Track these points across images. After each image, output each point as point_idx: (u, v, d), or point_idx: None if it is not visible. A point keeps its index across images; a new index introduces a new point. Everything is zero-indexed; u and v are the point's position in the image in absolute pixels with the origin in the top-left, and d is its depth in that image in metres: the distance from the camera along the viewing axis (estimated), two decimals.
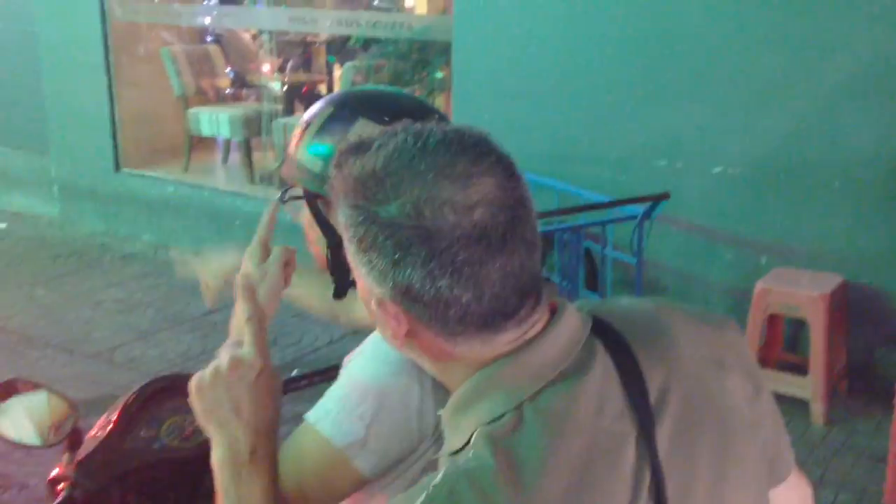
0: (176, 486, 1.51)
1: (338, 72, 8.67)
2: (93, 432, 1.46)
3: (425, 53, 5.70)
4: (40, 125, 6.45)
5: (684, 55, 3.94)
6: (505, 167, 0.82)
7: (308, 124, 1.21)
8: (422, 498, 0.78)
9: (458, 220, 0.78)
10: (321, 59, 8.77)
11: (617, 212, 3.76)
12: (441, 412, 0.89)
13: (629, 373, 0.86)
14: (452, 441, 0.86)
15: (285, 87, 6.38)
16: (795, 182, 3.76)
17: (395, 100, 1.26)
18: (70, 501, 1.34)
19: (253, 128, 6.05)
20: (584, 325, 0.87)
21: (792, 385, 3.52)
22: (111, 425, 1.43)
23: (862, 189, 3.63)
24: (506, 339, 0.83)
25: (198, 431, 1.52)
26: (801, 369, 3.56)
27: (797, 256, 3.76)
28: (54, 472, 1.42)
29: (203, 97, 6.66)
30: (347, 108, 1.21)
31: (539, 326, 0.85)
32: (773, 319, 3.61)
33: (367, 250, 0.81)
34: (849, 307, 3.65)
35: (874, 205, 3.62)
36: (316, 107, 1.22)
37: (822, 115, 3.68)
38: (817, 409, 3.48)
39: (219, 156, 6.78)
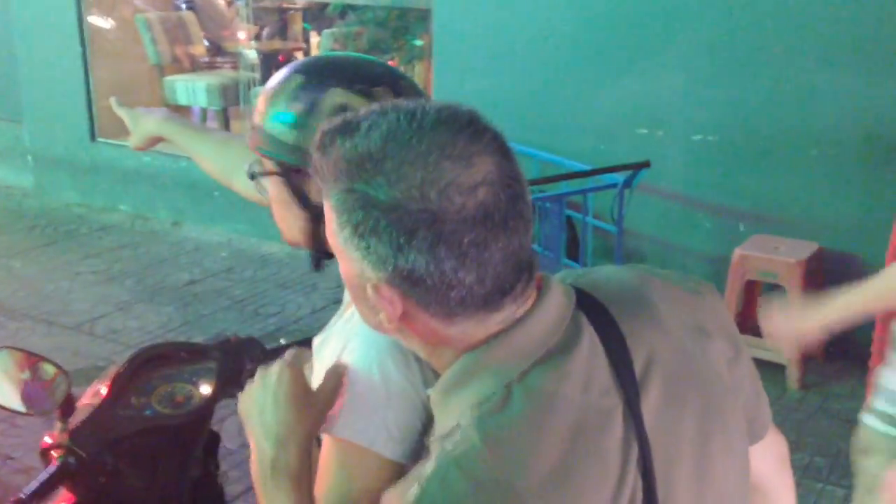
0: (168, 453, 1.52)
1: (315, 39, 8.59)
2: (84, 400, 1.46)
3: (404, 21, 5.66)
4: (14, 94, 6.35)
5: (664, 24, 3.95)
6: (500, 145, 0.82)
7: (275, 92, 1.13)
8: (415, 490, 0.78)
9: (463, 202, 0.77)
10: (297, 26, 8.67)
11: (598, 180, 3.78)
12: (430, 392, 0.89)
13: (614, 346, 0.86)
14: (442, 423, 0.86)
15: (261, 55, 6.31)
16: (773, 150, 3.80)
17: (365, 67, 1.18)
18: (65, 468, 1.34)
19: (230, 96, 5.99)
20: (569, 300, 0.88)
21: (768, 350, 3.58)
22: (103, 393, 1.44)
23: (839, 157, 3.68)
24: (500, 317, 0.83)
25: (188, 399, 1.53)
26: None
27: (775, 224, 3.80)
28: (47, 441, 1.42)
29: (179, 65, 6.58)
30: (317, 76, 1.13)
31: (528, 304, 0.85)
32: (750, 285, 3.66)
33: (366, 235, 0.79)
34: (825, 273, 3.70)
35: (851, 172, 3.67)
36: (282, 74, 1.15)
37: (800, 84, 3.71)
38: (793, 374, 3.55)
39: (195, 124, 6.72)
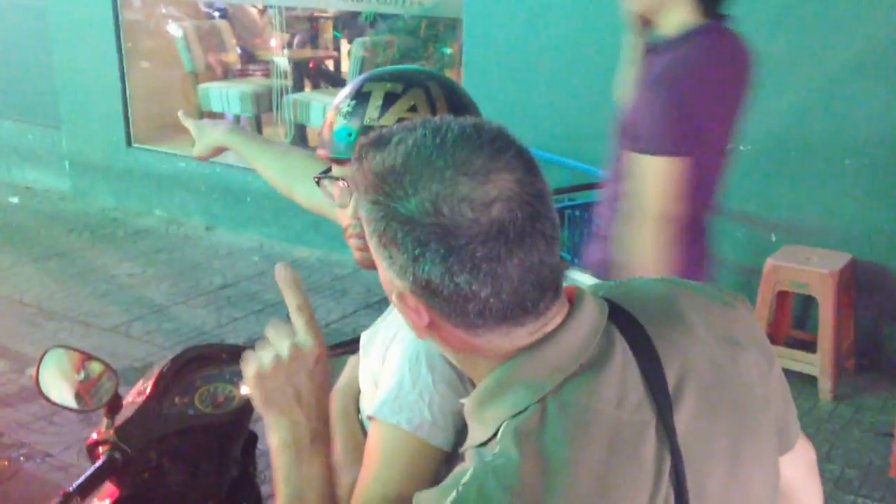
0: (208, 452, 1.56)
1: (345, 47, 8.67)
2: (129, 399, 1.50)
3: (435, 29, 5.71)
4: (52, 100, 6.48)
5: None
6: (524, 162, 0.82)
7: (338, 107, 1.20)
8: (452, 496, 0.79)
9: (476, 217, 0.78)
10: (328, 34, 8.76)
11: None
12: (464, 402, 0.91)
13: (647, 360, 0.87)
14: (476, 433, 0.88)
15: (292, 63, 6.39)
16: (806, 160, 3.78)
17: (417, 74, 1.23)
18: (111, 463, 1.38)
19: (263, 104, 6.07)
20: (602, 313, 0.89)
21: (800, 361, 3.57)
22: (147, 392, 1.48)
23: (872, 167, 3.65)
24: (525, 331, 0.84)
25: (229, 399, 1.57)
26: (809, 346, 3.60)
27: (807, 234, 3.79)
28: (93, 437, 1.46)
29: (213, 73, 6.69)
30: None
31: (558, 319, 0.86)
32: (782, 296, 3.64)
33: (388, 245, 0.82)
34: (857, 285, 3.68)
35: (884, 183, 3.64)
36: (348, 88, 1.21)
37: (834, 94, 3.69)
38: (825, 386, 3.53)
39: None
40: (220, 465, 1.58)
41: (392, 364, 1.07)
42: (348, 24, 8.63)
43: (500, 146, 0.82)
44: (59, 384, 1.41)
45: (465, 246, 0.78)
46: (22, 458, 3.18)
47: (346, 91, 1.21)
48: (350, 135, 1.17)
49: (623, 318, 0.90)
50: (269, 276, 4.97)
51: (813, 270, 3.50)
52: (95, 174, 6.46)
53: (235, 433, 1.57)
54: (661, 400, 0.86)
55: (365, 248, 1.17)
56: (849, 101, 3.65)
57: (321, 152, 1.22)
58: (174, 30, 6.30)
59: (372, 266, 1.19)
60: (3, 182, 6.90)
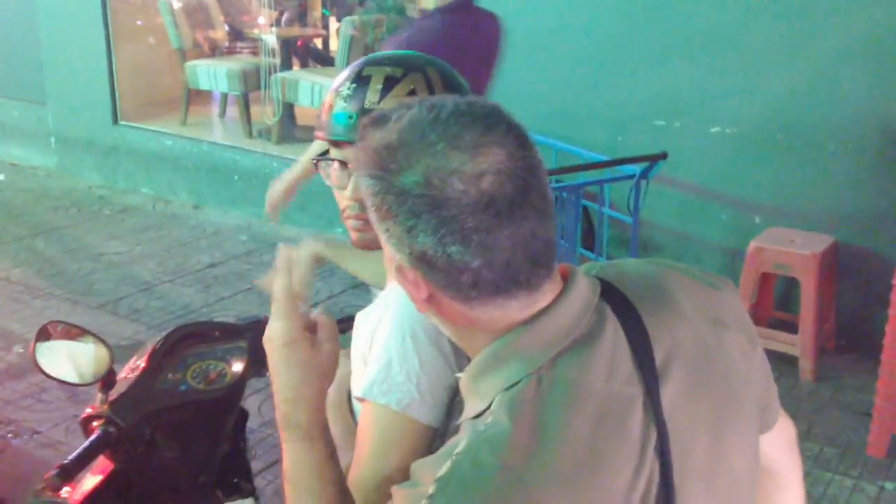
0: (200, 428, 1.58)
1: (333, 26, 8.62)
2: (123, 375, 1.52)
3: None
4: (38, 76, 6.44)
5: (684, 15, 3.97)
6: (515, 136, 0.85)
7: (338, 90, 1.22)
8: (447, 465, 0.82)
9: (465, 189, 0.81)
10: (316, 12, 8.71)
11: (615, 171, 3.81)
12: (459, 376, 0.94)
13: (637, 337, 0.90)
14: (471, 406, 0.91)
15: (280, 41, 6.35)
16: (791, 144, 3.82)
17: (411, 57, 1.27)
18: (105, 437, 1.40)
19: (251, 82, 6.04)
20: (594, 291, 0.92)
21: (782, 342, 3.62)
22: (141, 367, 1.50)
23: (856, 152, 3.70)
24: (518, 305, 0.87)
25: (221, 376, 1.59)
26: (791, 327, 3.66)
27: (791, 217, 3.83)
28: (87, 411, 1.48)
29: (200, 50, 6.64)
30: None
31: (550, 296, 0.88)
32: (765, 278, 3.69)
33: (385, 218, 0.85)
34: (839, 267, 3.73)
35: (867, 167, 3.69)
36: (347, 72, 1.24)
37: (819, 79, 3.72)
38: (806, 366, 3.59)
39: (216, 109, 6.78)
40: (212, 440, 1.60)
41: (379, 346, 1.09)
42: (337, 1, 8.59)
43: (491, 122, 0.85)
44: (55, 358, 1.43)
45: (455, 217, 0.81)
46: (10, 435, 3.19)
47: (344, 75, 1.23)
48: (350, 117, 1.19)
49: (614, 297, 0.93)
50: (256, 255, 4.99)
51: (796, 253, 3.54)
52: (81, 151, 6.43)
53: (227, 409, 1.59)
54: (649, 376, 0.89)
55: (362, 229, 1.20)
56: (834, 85, 3.69)
57: (319, 134, 1.24)
58: (162, 6, 6.25)
59: (369, 247, 1.21)
60: None
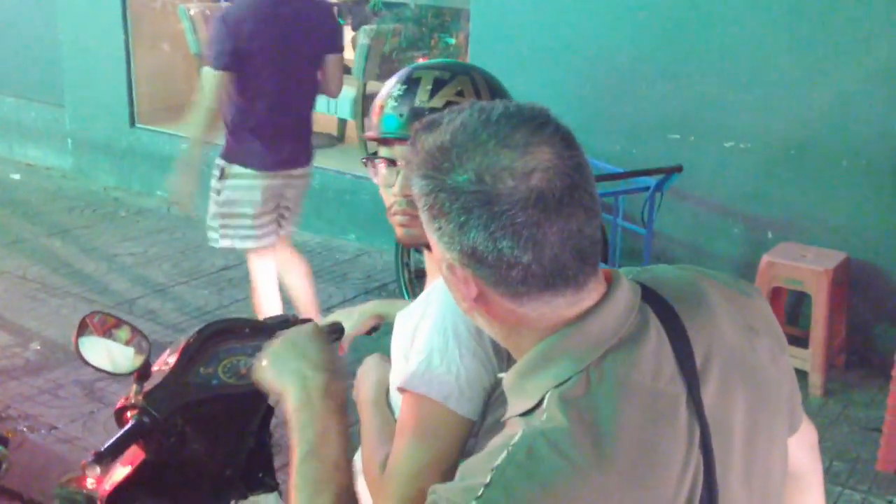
0: (229, 422, 1.61)
1: (348, 34, 8.69)
2: (155, 367, 1.56)
3: (441, 19, 5.75)
4: (56, 78, 6.50)
5: (701, 31, 4.01)
6: (562, 137, 0.88)
7: (389, 93, 1.28)
8: (503, 456, 0.83)
9: (516, 185, 0.84)
10: None
11: (630, 183, 3.85)
12: (502, 376, 0.97)
13: (678, 338, 0.93)
14: (517, 404, 0.93)
15: None
16: (804, 160, 3.86)
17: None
18: (139, 426, 1.44)
19: None
20: (636, 293, 0.95)
21: (792, 357, 3.60)
22: (174, 361, 1.53)
23: (869, 169, 3.73)
24: (565, 301, 0.89)
25: (251, 372, 1.63)
26: (801, 342, 3.68)
27: (803, 232, 3.86)
28: (121, 403, 1.52)
29: None
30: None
31: (596, 295, 0.91)
32: (777, 292, 3.72)
33: (437, 217, 0.88)
34: (850, 283, 3.76)
35: (880, 185, 3.72)
36: (396, 77, 1.30)
37: (833, 96, 3.76)
38: (815, 381, 3.61)
39: None
40: (240, 435, 1.63)
41: (421, 339, 1.13)
42: (353, 10, 8.65)
43: (540, 123, 0.88)
44: (95, 347, 1.47)
45: (506, 212, 0.84)
46: (27, 430, 3.23)
47: (394, 79, 1.29)
48: (401, 116, 1.25)
49: (655, 300, 0.96)
50: None
51: (807, 268, 3.57)
52: (98, 153, 6.49)
53: (255, 405, 1.62)
54: (690, 375, 0.92)
55: (408, 225, 1.24)
56: (848, 103, 3.72)
57: (370, 135, 1.29)
58: (181, 12, 6.31)
59: (413, 243, 1.25)
60: (5, 159, 6.91)
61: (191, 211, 3.51)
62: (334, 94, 3.64)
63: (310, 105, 3.45)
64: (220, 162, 3.44)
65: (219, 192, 3.45)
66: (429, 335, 1.11)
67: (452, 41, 5.88)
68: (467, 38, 5.05)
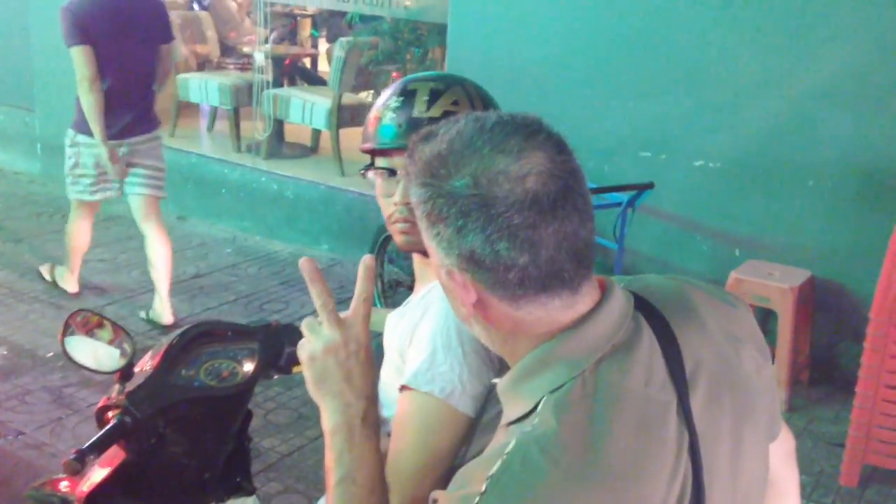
0: (209, 424, 1.62)
1: (322, 46, 8.71)
2: (138, 369, 1.56)
3: (418, 33, 5.79)
4: (27, 82, 6.43)
5: (670, 50, 4.09)
6: (555, 143, 0.91)
7: (385, 104, 1.31)
8: (497, 464, 0.85)
9: (511, 188, 0.87)
10: (305, 32, 8.79)
11: (602, 199, 3.90)
12: (497, 382, 0.99)
13: (669, 346, 0.96)
14: (512, 410, 0.95)
15: (272, 58, 6.42)
16: (772, 179, 3.94)
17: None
18: (121, 426, 1.44)
19: (242, 97, 6.10)
20: (629, 301, 0.97)
21: None
22: (157, 362, 1.54)
23: (834, 189, 3.82)
24: (561, 304, 0.91)
25: (233, 375, 1.64)
26: None
27: (770, 250, 3.94)
28: (101, 402, 1.52)
29: (192, 64, 6.69)
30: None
31: (590, 300, 0.93)
32: None
33: (435, 222, 0.90)
34: (815, 301, 3.84)
35: (845, 205, 3.81)
36: (391, 89, 1.33)
37: (801, 116, 3.85)
38: (780, 396, 3.67)
39: (204, 123, 6.82)
40: (220, 437, 1.64)
41: (422, 339, 1.15)
42: (327, 22, 8.68)
43: (533, 129, 0.92)
44: (80, 346, 1.47)
45: (502, 214, 0.86)
46: None
47: (389, 91, 1.32)
48: (400, 126, 1.28)
49: (646, 309, 0.98)
50: (242, 268, 5.01)
51: (774, 285, 3.65)
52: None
53: (236, 408, 1.64)
54: (681, 383, 0.94)
55: (408, 232, 1.26)
56: (816, 124, 3.82)
57: (366, 146, 1.32)
58: None
59: (415, 249, 1.28)
60: None
61: (124, 176, 4.09)
62: (167, 77, 4.25)
63: (148, 84, 4.03)
64: (70, 132, 4.06)
65: (70, 157, 4.08)
66: (431, 334, 1.14)
67: (429, 55, 5.92)
68: (444, 52, 5.09)
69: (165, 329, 4.05)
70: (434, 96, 1.27)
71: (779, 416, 1.14)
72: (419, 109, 1.27)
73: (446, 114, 1.24)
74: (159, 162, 4.18)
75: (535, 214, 0.87)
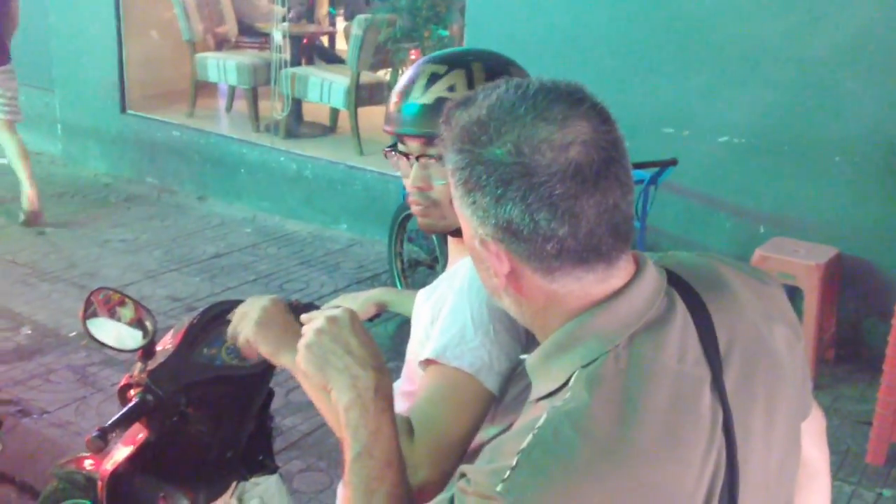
0: (231, 403, 1.61)
1: (340, 24, 8.66)
2: (160, 347, 1.56)
3: (436, 10, 5.73)
4: (46, 63, 6.45)
5: (695, 25, 4.02)
6: (598, 113, 0.88)
7: (402, 87, 1.29)
8: (528, 438, 0.83)
9: (554, 157, 0.84)
10: (323, 10, 8.75)
11: None
12: (525, 357, 0.97)
13: (703, 322, 0.94)
14: (541, 386, 0.93)
15: (291, 37, 6.39)
16: (797, 154, 3.88)
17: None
18: (143, 404, 1.44)
19: (260, 76, 6.08)
20: (662, 277, 0.95)
21: None
22: (178, 340, 1.53)
23: (861, 164, 3.75)
24: (596, 278, 0.89)
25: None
26: None
27: (795, 227, 3.88)
28: (124, 380, 1.52)
29: (210, 43, 6.67)
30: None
31: (625, 274, 0.91)
32: None
33: (472, 190, 0.88)
34: (842, 278, 3.79)
35: (872, 180, 3.75)
36: (411, 70, 1.30)
37: (826, 90, 3.78)
38: None
39: (223, 103, 6.81)
40: (241, 417, 1.64)
41: (451, 315, 1.14)
42: (346, 0, 8.63)
43: (577, 98, 0.89)
44: (102, 325, 1.46)
45: (544, 183, 0.84)
46: (19, 415, 3.21)
47: (407, 73, 1.30)
48: (401, 111, 1.26)
49: (680, 285, 0.96)
50: (261, 247, 5.01)
51: (799, 262, 3.59)
52: (88, 139, 6.45)
53: (258, 387, 1.63)
54: (714, 360, 0.92)
55: (426, 214, 1.25)
56: (841, 97, 3.75)
57: (387, 128, 1.30)
58: None
59: (433, 230, 1.26)
60: None
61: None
62: (14, 28, 5.13)
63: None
64: None
65: None
66: (461, 308, 1.13)
67: (446, 33, 5.87)
68: (462, 28, 5.04)
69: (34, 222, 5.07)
70: (432, 80, 1.25)
71: (810, 395, 1.12)
72: (415, 95, 1.25)
73: (439, 100, 1.21)
74: (12, 91, 5.12)
75: (577, 185, 0.84)
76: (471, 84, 1.25)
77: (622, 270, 0.91)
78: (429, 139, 1.22)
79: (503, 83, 0.91)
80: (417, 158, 1.25)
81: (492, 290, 0.96)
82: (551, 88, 0.89)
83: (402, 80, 1.29)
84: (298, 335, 1.07)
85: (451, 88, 1.24)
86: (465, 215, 0.91)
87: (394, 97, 1.28)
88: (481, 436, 1.08)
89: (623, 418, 0.84)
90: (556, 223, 0.85)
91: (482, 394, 1.09)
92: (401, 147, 1.29)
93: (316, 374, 1.04)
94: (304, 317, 1.09)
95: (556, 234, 0.86)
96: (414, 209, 1.28)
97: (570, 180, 0.84)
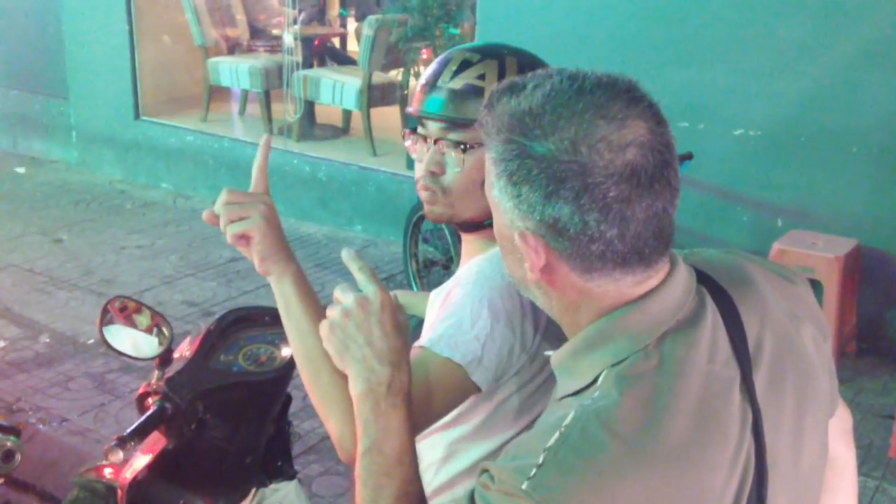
0: (249, 409, 1.61)
1: (351, 25, 8.67)
2: (177, 355, 1.55)
3: (448, 9, 5.72)
4: (60, 71, 6.49)
5: (709, 17, 3.99)
6: (655, 113, 0.86)
7: (429, 71, 1.28)
8: (555, 436, 0.82)
9: (611, 158, 0.82)
10: (334, 11, 8.75)
11: None
12: (550, 354, 0.95)
13: (732, 322, 0.93)
14: (568, 383, 0.91)
15: (302, 40, 6.39)
16: (814, 146, 3.84)
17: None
18: (161, 412, 1.43)
19: (273, 79, 6.08)
20: (692, 276, 0.94)
21: None
22: (195, 348, 1.53)
23: (879, 155, 3.71)
24: (632, 280, 0.88)
25: (271, 359, 1.62)
26: None
27: (813, 219, 3.85)
28: (142, 388, 1.51)
29: (222, 47, 6.69)
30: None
31: (662, 274, 0.90)
32: None
33: (519, 183, 0.85)
34: (861, 270, 3.75)
35: (890, 170, 3.70)
36: (441, 56, 1.29)
37: (843, 82, 3.74)
38: None
39: (236, 107, 6.82)
40: (260, 422, 1.63)
41: (452, 304, 1.14)
42: (355, 0, 8.64)
43: (634, 96, 0.86)
44: (119, 333, 1.46)
45: (599, 185, 0.82)
46: (38, 423, 3.23)
47: (440, 57, 1.29)
48: (427, 94, 1.25)
49: (708, 283, 0.95)
50: None
51: (819, 255, 3.56)
52: (102, 146, 6.48)
53: (276, 392, 1.62)
54: (744, 359, 0.91)
55: (433, 201, 1.24)
56: (859, 89, 3.70)
57: (409, 109, 1.29)
58: (185, 3, 6.29)
59: (440, 219, 1.25)
60: (9, 152, 6.91)
61: None
62: None
63: None
64: None
65: None
66: (462, 302, 1.13)
67: (458, 32, 5.85)
68: (473, 27, 5.03)
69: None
70: (463, 66, 1.24)
71: (836, 393, 1.10)
72: (444, 79, 1.24)
73: (466, 87, 1.20)
74: None
75: (631, 188, 0.83)
76: (502, 76, 1.24)
77: (660, 271, 0.90)
78: (451, 124, 1.21)
79: (554, 73, 0.89)
80: (435, 142, 1.23)
81: (518, 281, 0.94)
82: (608, 84, 0.86)
83: (433, 64, 1.28)
84: (289, 254, 1.13)
85: (481, 77, 1.23)
86: (504, 207, 0.89)
87: (422, 79, 1.27)
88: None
89: (653, 418, 0.83)
90: (606, 225, 0.83)
91: (465, 385, 1.10)
92: (420, 130, 1.27)
93: (334, 356, 1.01)
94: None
95: (603, 236, 0.84)
96: (422, 195, 1.26)
97: (625, 183, 0.82)
